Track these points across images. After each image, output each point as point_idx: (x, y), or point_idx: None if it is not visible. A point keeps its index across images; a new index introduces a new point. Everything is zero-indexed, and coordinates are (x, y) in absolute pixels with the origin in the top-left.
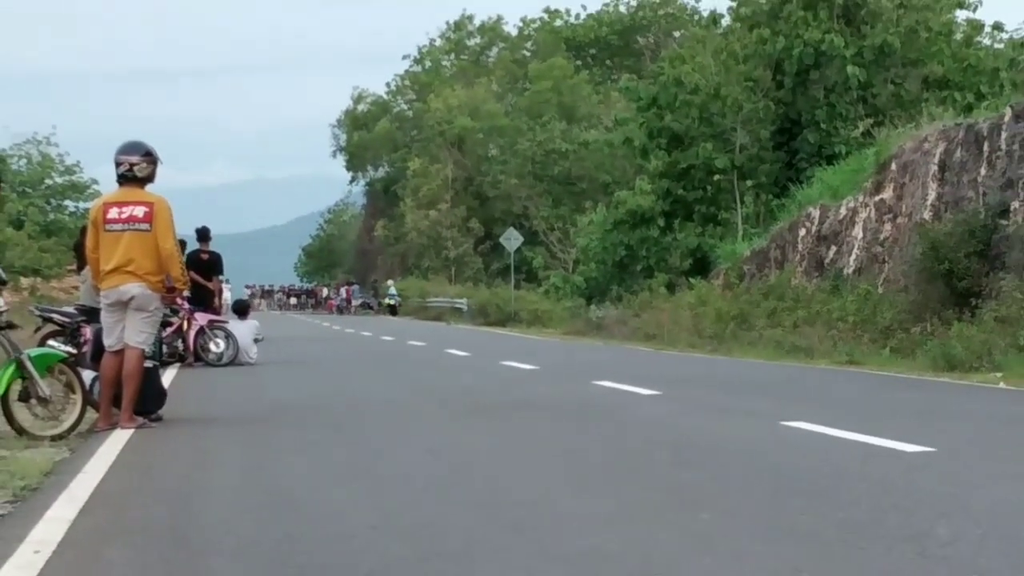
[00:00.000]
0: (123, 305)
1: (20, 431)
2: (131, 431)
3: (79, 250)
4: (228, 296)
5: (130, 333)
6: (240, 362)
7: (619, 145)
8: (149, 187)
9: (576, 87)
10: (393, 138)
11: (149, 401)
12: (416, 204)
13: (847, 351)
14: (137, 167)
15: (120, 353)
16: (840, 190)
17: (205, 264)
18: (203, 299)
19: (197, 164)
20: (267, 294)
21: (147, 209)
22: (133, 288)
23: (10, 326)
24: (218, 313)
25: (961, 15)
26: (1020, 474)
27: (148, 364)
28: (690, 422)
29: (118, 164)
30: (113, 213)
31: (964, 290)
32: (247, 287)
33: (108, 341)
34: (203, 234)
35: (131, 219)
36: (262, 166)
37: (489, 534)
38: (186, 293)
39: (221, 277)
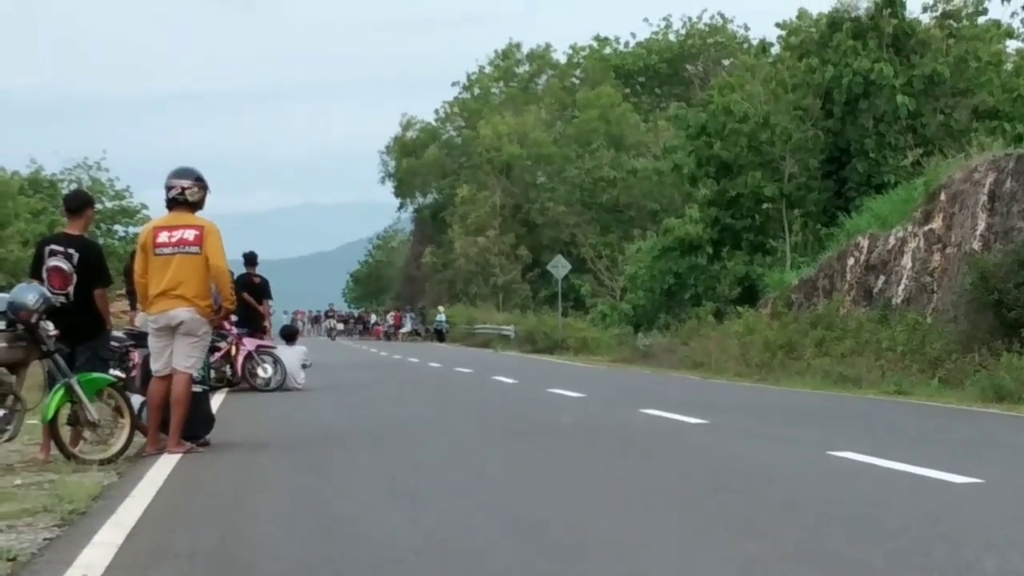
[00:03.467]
0: (171, 330)
1: (69, 455)
2: (179, 456)
3: (128, 275)
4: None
5: (178, 358)
6: (288, 387)
7: (667, 173)
8: (199, 213)
9: (624, 115)
10: (442, 165)
11: (197, 426)
12: (464, 231)
13: (895, 381)
14: (188, 191)
15: (168, 378)
16: (889, 219)
17: (257, 287)
18: (253, 322)
19: (245, 189)
20: (315, 321)
21: (197, 232)
22: (182, 313)
23: (59, 351)
24: (267, 335)
25: (1011, 45)
26: None
27: (197, 389)
28: (736, 451)
29: (169, 188)
30: (163, 237)
31: (1013, 321)
32: (293, 312)
33: (155, 366)
34: (251, 259)
35: (181, 242)
36: (310, 192)
37: (533, 560)
38: (234, 317)
39: (270, 302)
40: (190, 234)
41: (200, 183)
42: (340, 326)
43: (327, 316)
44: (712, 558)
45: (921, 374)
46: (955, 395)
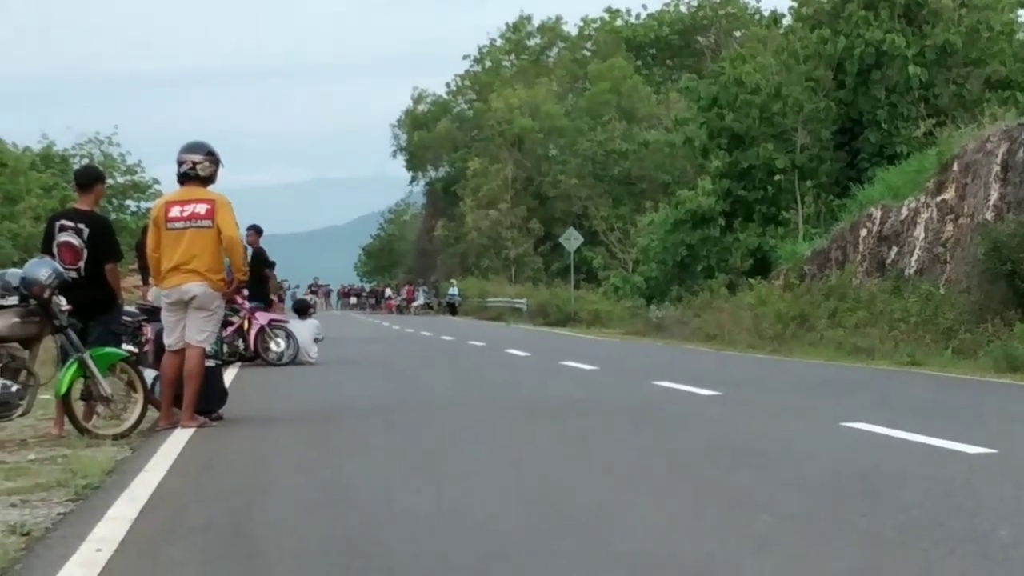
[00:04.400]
0: (184, 304)
1: (82, 430)
2: (192, 430)
3: (140, 249)
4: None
5: (191, 332)
6: (300, 361)
7: (679, 145)
8: (210, 187)
9: (635, 88)
10: (453, 138)
11: (211, 400)
12: (476, 204)
13: (908, 352)
14: (200, 166)
15: (181, 352)
16: (902, 190)
17: (264, 260)
18: (262, 294)
19: (257, 165)
20: (327, 295)
21: (209, 206)
22: (195, 287)
23: (72, 326)
24: (276, 308)
25: (1023, 14)
26: None
27: (210, 363)
28: (750, 423)
29: (180, 163)
30: (175, 211)
31: None
32: (308, 285)
33: (168, 340)
34: (258, 230)
35: (193, 216)
36: (322, 166)
37: (549, 535)
38: (246, 291)
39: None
40: (202, 208)
41: (211, 157)
42: (352, 300)
43: (311, 290)
44: (728, 533)
45: (934, 344)
46: (968, 365)
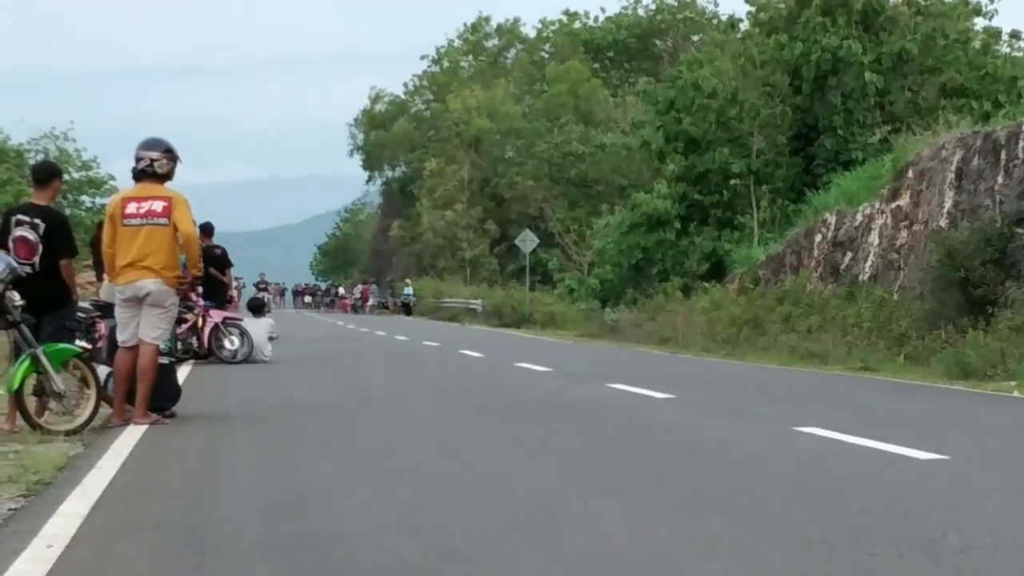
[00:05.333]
0: (138, 301)
1: (34, 426)
2: (145, 427)
3: (95, 245)
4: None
5: (145, 329)
6: (255, 360)
7: (636, 148)
8: (168, 184)
9: (593, 90)
10: (410, 138)
11: (164, 397)
12: (432, 204)
13: (861, 357)
14: (157, 163)
15: (134, 349)
16: (857, 196)
17: (218, 258)
18: (217, 294)
19: (212, 162)
20: (281, 293)
21: (165, 204)
22: (149, 284)
23: (25, 321)
24: (233, 306)
25: (979, 23)
26: None
27: (164, 360)
28: (703, 426)
29: (138, 159)
30: (132, 208)
31: (979, 298)
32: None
33: (122, 337)
34: (207, 229)
35: (150, 213)
36: (278, 164)
37: (500, 534)
38: (200, 289)
39: (232, 271)
40: (158, 205)
41: (169, 154)
42: (307, 299)
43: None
44: (678, 534)
45: (887, 351)
46: (921, 372)
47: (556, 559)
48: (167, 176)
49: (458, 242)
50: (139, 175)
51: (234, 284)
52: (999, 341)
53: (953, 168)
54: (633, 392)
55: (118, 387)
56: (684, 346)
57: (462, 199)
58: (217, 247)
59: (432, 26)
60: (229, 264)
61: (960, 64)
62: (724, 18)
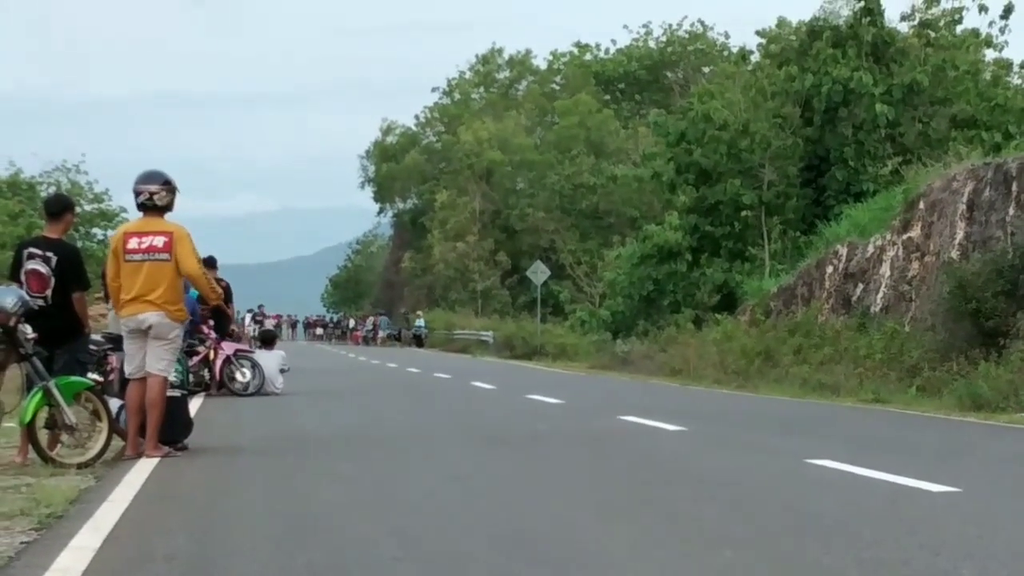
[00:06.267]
0: (142, 333)
1: (47, 459)
2: (157, 459)
3: (106, 278)
4: (250, 325)
5: (151, 361)
6: (266, 392)
7: (647, 180)
8: (170, 215)
9: (604, 122)
10: (421, 170)
11: (176, 430)
12: (444, 236)
13: (873, 389)
14: (157, 196)
15: (143, 381)
16: (868, 228)
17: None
18: (221, 327)
19: (225, 193)
20: (293, 326)
21: (166, 239)
22: (151, 316)
23: (37, 354)
24: (235, 339)
25: (989, 54)
26: None
27: (175, 393)
28: (715, 458)
29: (137, 193)
30: (133, 243)
31: (991, 330)
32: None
33: (129, 369)
34: (211, 263)
35: (151, 249)
36: (290, 196)
37: (511, 565)
38: (212, 322)
39: (232, 305)
40: (159, 241)
41: (168, 186)
42: (319, 331)
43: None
44: (689, 566)
45: (899, 382)
46: (933, 404)
47: None
48: (167, 208)
49: (469, 274)
50: (140, 208)
51: (251, 316)
52: (1011, 373)
53: (964, 199)
54: (645, 424)
55: (131, 420)
56: (696, 378)
57: (473, 231)
58: (220, 280)
59: (443, 58)
60: (229, 300)
61: (971, 95)
62: (735, 50)
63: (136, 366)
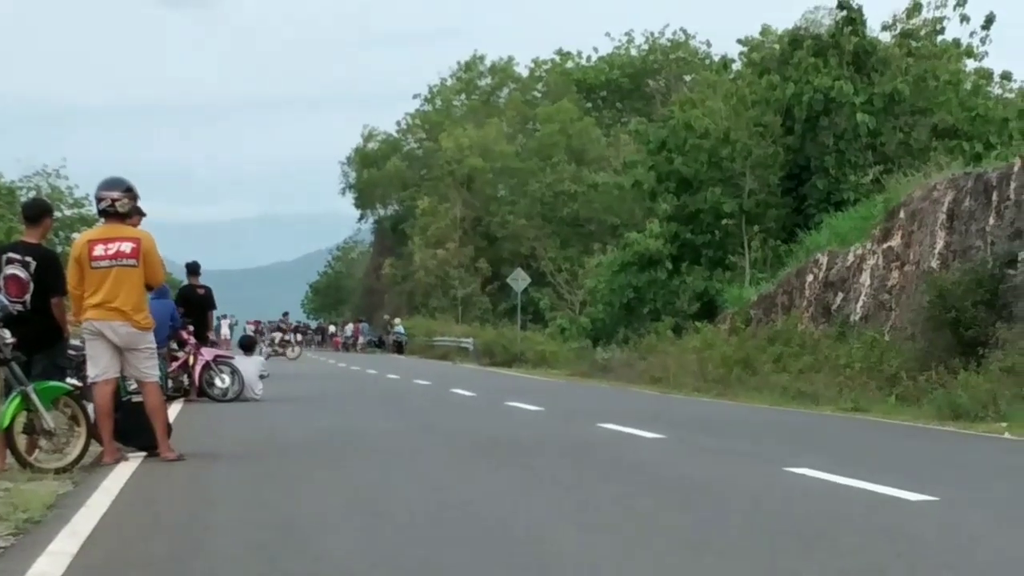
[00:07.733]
0: (102, 336)
1: (24, 464)
2: (136, 464)
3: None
4: (227, 331)
5: (138, 371)
6: (245, 398)
7: (628, 188)
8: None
9: (585, 130)
10: (402, 176)
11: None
12: (424, 243)
13: (852, 398)
14: (119, 203)
15: (109, 383)
16: (848, 237)
17: (201, 299)
18: (200, 333)
19: (206, 200)
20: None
21: (134, 245)
22: (119, 328)
23: (16, 359)
24: (211, 346)
25: (970, 64)
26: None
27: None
28: (694, 466)
29: (99, 199)
30: (99, 250)
31: (971, 339)
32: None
33: (93, 372)
34: (193, 269)
35: (118, 255)
36: (271, 202)
37: (490, 573)
38: (191, 328)
39: (213, 312)
40: (127, 247)
41: (130, 193)
42: (297, 337)
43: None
44: (670, 572)
45: (878, 391)
46: (912, 413)
47: None
48: (128, 215)
49: (450, 281)
50: (102, 215)
51: (227, 322)
52: (990, 382)
53: (945, 209)
54: (624, 432)
55: (102, 423)
56: (675, 386)
57: (454, 238)
58: (202, 287)
59: (425, 65)
60: (213, 305)
61: (951, 105)
62: (717, 58)
63: (101, 368)
